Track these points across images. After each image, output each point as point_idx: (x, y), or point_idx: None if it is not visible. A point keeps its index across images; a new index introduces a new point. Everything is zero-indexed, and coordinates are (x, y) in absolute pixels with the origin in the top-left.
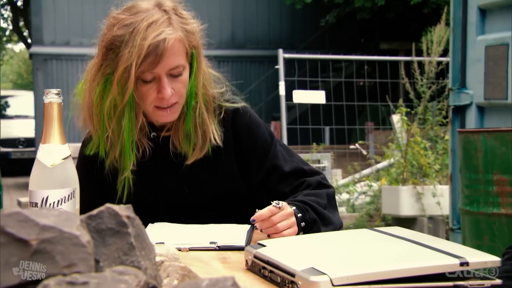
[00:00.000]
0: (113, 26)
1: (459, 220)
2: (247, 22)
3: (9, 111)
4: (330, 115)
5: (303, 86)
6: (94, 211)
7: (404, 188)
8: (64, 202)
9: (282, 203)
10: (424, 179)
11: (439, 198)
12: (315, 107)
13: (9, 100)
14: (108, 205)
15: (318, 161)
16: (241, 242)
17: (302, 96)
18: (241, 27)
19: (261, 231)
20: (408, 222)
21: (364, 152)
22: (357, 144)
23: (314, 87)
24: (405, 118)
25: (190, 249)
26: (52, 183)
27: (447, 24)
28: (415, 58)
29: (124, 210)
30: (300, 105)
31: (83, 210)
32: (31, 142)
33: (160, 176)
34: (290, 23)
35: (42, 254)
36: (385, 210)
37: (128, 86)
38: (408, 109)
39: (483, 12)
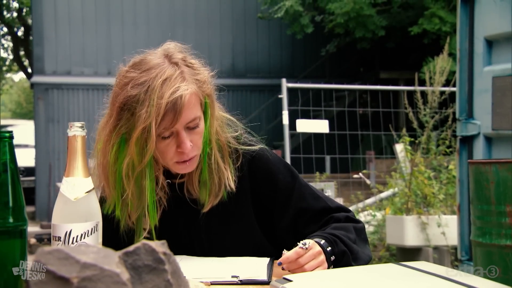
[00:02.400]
0: (126, 85)
1: (468, 251)
2: (247, 51)
3: None
4: (331, 144)
5: (304, 115)
6: (131, 247)
7: (408, 218)
8: (88, 236)
9: (310, 243)
10: (429, 208)
11: (444, 228)
12: (316, 136)
13: (9, 129)
14: (144, 241)
15: (322, 190)
16: (263, 276)
17: (305, 126)
18: (241, 57)
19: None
20: (413, 253)
21: (368, 182)
22: (360, 174)
23: (315, 116)
24: (409, 147)
25: (212, 283)
26: (75, 217)
27: (450, 54)
28: (418, 88)
29: (160, 247)
30: (302, 134)
31: None
32: (31, 171)
33: (176, 224)
34: (290, 53)
35: None
36: (390, 240)
37: (149, 147)
38: (412, 139)
39: (490, 43)
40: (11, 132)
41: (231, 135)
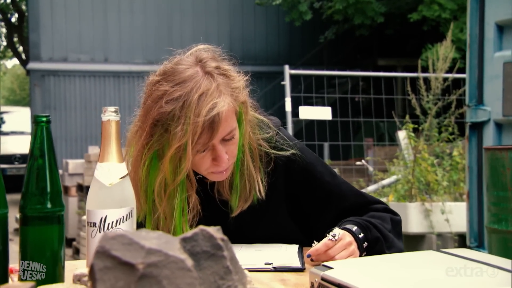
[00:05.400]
0: (160, 99)
1: (477, 238)
2: (244, 38)
3: (4, 127)
4: (331, 131)
5: (304, 102)
6: (189, 233)
7: (412, 205)
8: (123, 222)
9: (339, 234)
10: (432, 195)
11: (448, 215)
12: (317, 123)
13: (5, 116)
14: (202, 227)
15: None
16: (296, 263)
17: (308, 112)
18: (238, 44)
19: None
20: (416, 239)
21: (371, 169)
22: (363, 161)
23: (315, 102)
24: (412, 134)
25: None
26: (110, 203)
27: (452, 41)
28: (421, 74)
29: (217, 232)
30: (304, 120)
31: None
32: (27, 159)
33: (203, 223)
34: (288, 40)
35: (148, 279)
36: None
37: (184, 166)
38: (415, 125)
39: (501, 28)
40: (48, 116)
41: (262, 136)
